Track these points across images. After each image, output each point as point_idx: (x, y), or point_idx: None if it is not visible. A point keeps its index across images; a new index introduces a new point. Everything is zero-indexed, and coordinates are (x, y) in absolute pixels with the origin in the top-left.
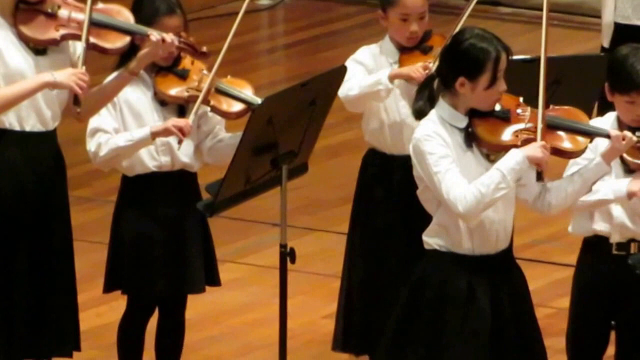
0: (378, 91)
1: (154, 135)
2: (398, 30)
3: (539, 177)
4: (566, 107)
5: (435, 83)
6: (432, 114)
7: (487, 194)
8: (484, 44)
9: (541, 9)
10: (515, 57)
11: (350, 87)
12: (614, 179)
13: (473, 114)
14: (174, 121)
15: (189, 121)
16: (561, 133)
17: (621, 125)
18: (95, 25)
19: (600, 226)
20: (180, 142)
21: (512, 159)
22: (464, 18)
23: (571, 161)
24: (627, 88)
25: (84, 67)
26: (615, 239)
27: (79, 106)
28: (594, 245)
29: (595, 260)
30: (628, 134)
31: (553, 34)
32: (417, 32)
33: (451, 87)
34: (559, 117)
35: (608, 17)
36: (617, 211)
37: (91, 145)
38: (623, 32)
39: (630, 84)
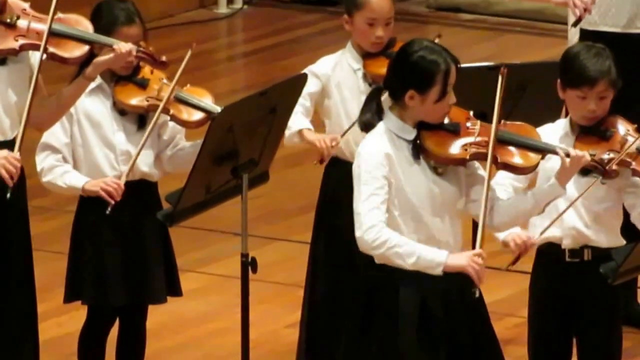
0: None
1: (84, 191)
2: (363, 35)
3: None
4: (518, 122)
5: (383, 95)
6: (380, 126)
7: (385, 248)
8: (434, 56)
9: (503, 16)
10: (478, 64)
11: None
12: None
13: (422, 127)
14: (105, 185)
15: (120, 184)
16: (512, 148)
17: (573, 129)
18: (55, 35)
19: (551, 231)
20: (110, 206)
21: (433, 257)
22: None
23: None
24: (579, 82)
25: (18, 153)
26: (567, 244)
27: (9, 192)
28: (547, 254)
29: (548, 269)
30: (586, 154)
31: (517, 41)
32: (383, 37)
33: (400, 99)
34: (511, 132)
35: None
36: (569, 215)
37: (38, 161)
38: (590, 38)
39: (582, 78)
